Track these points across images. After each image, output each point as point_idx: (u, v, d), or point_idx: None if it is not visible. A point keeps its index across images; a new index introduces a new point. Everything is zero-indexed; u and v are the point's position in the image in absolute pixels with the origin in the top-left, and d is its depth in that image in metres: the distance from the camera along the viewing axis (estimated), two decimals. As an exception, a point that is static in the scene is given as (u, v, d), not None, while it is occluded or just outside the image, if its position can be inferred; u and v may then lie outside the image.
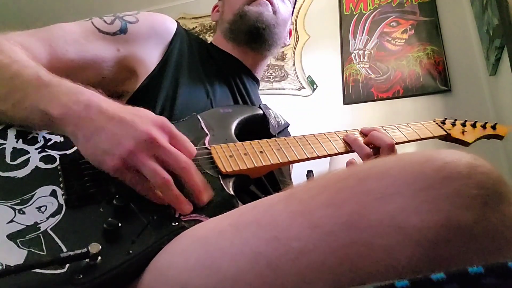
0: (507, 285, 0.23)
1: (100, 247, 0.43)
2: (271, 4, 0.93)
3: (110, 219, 0.47)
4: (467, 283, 0.23)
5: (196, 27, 2.87)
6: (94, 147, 0.50)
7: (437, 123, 0.88)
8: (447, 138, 0.87)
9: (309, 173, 1.85)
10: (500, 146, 1.79)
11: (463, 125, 0.90)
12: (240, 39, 0.93)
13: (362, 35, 2.41)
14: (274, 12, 0.93)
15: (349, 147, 0.74)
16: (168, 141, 0.52)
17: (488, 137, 0.92)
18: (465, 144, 0.87)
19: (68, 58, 0.69)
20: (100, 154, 0.50)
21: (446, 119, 0.91)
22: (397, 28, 2.36)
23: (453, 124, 0.89)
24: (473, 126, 0.91)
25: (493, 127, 0.93)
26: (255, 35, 0.91)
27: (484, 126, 0.92)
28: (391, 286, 0.24)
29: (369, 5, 2.48)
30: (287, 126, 1.01)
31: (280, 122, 0.97)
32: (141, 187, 0.51)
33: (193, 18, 2.90)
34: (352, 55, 2.38)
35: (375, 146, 0.74)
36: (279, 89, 2.47)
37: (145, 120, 0.51)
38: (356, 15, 2.48)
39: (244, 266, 0.37)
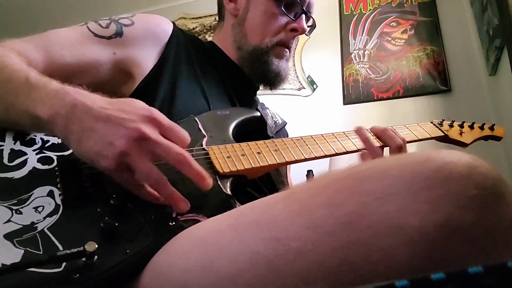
0: (507, 285, 0.23)
1: (96, 245, 0.42)
2: (290, 50, 0.91)
3: (107, 218, 0.47)
4: (467, 283, 0.23)
5: (196, 27, 2.87)
6: (87, 149, 0.50)
7: (434, 124, 0.89)
8: (445, 139, 0.88)
9: (309, 173, 1.85)
10: (499, 146, 1.79)
11: (461, 126, 0.91)
12: (250, 71, 0.91)
13: (362, 35, 2.41)
14: (287, 59, 0.92)
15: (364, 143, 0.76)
16: (159, 134, 0.51)
17: (486, 138, 0.93)
18: (463, 145, 0.88)
19: (64, 62, 0.69)
20: (94, 156, 0.49)
21: (443, 120, 0.91)
22: (397, 28, 2.36)
23: (451, 125, 0.90)
24: (471, 127, 0.92)
25: (491, 128, 0.93)
26: (267, 82, 0.92)
27: (482, 127, 0.92)
28: (391, 286, 0.24)
29: (369, 5, 2.48)
30: (284, 125, 1.01)
31: (277, 122, 0.97)
32: (135, 187, 0.51)
33: (193, 18, 2.90)
34: (352, 55, 2.38)
35: (385, 145, 0.76)
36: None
37: (133, 115, 0.50)
38: (356, 15, 2.48)
39: (244, 266, 0.37)
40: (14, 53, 0.63)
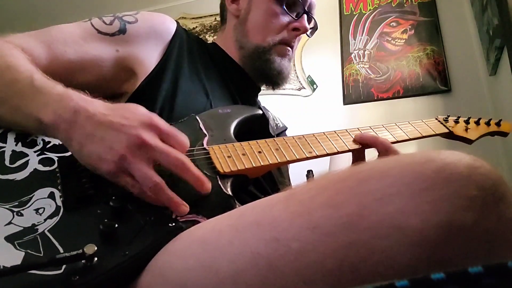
0: (507, 285, 0.23)
1: (95, 248, 0.43)
2: (292, 49, 0.91)
3: (106, 220, 0.47)
4: (467, 283, 0.23)
5: (196, 27, 2.87)
6: (88, 154, 0.51)
7: (439, 121, 0.87)
8: (449, 135, 0.86)
9: (309, 173, 1.84)
10: (499, 146, 1.79)
11: (467, 122, 0.89)
12: (252, 70, 0.90)
13: (362, 35, 2.41)
14: (290, 59, 0.91)
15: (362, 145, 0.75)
16: (158, 139, 0.52)
17: (493, 134, 0.91)
18: (468, 141, 0.86)
19: (67, 59, 0.69)
20: (94, 160, 0.50)
21: (449, 116, 0.89)
22: (397, 28, 2.36)
23: (456, 122, 0.88)
24: (477, 123, 0.89)
25: (498, 124, 0.91)
26: (269, 80, 0.91)
27: (488, 123, 0.90)
28: (391, 286, 0.24)
29: (369, 5, 2.48)
30: (285, 130, 1.00)
31: (278, 125, 0.96)
32: (137, 189, 0.51)
33: (193, 18, 2.90)
34: (352, 55, 2.37)
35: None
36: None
37: (133, 121, 0.52)
38: (356, 15, 2.48)
39: (244, 267, 0.37)
40: (18, 50, 0.64)
